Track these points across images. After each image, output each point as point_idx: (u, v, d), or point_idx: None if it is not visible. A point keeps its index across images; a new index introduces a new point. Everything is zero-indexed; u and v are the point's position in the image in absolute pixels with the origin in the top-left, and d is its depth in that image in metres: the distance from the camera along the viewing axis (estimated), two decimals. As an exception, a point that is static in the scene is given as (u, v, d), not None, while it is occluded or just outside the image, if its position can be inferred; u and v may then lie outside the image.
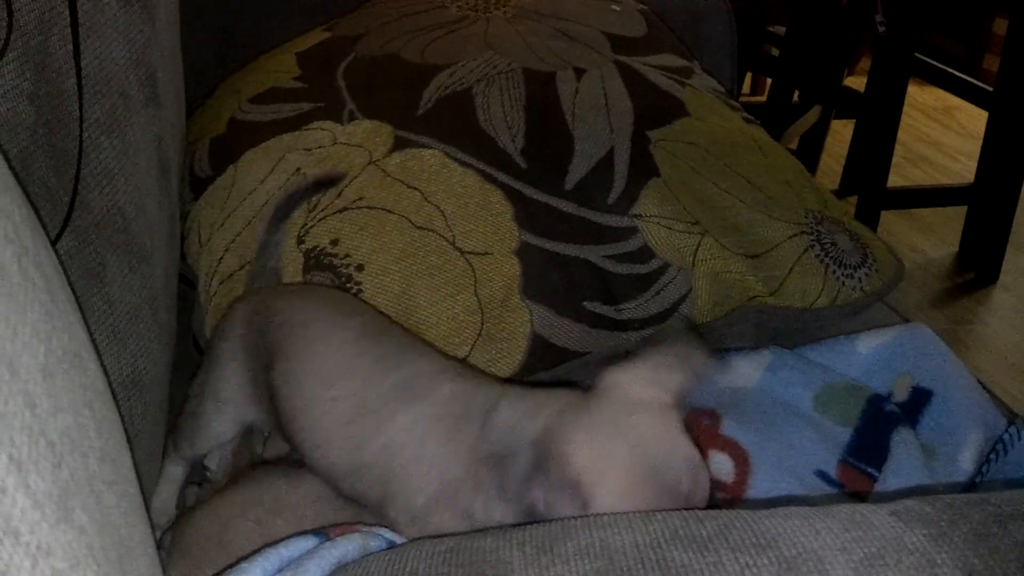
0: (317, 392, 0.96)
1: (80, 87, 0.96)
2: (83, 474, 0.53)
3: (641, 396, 0.85)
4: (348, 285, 1.22)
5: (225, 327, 1.13)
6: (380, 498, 0.92)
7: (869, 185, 3.43)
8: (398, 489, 0.91)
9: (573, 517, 0.77)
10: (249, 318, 1.10)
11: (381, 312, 1.17)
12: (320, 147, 1.33)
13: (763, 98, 4.47)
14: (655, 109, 1.45)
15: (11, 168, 0.65)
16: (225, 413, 1.10)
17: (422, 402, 0.94)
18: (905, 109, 3.39)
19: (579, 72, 1.47)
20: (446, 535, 0.80)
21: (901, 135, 3.50)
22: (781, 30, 3.88)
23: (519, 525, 0.78)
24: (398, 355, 1.00)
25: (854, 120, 3.87)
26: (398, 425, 0.93)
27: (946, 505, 0.72)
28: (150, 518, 0.91)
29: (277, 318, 1.05)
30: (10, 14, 0.85)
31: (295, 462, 1.03)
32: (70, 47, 0.95)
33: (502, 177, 1.32)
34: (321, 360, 0.98)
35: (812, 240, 1.39)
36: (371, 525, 0.87)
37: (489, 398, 0.93)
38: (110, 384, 0.71)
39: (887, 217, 3.53)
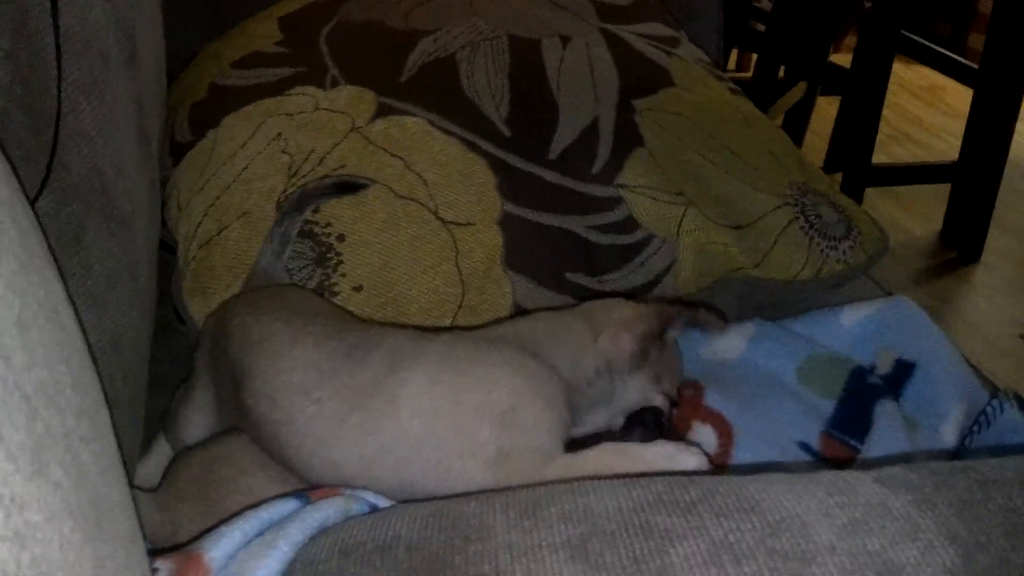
0: (296, 401, 0.94)
1: (58, 46, 0.95)
2: (59, 429, 0.52)
3: None
4: (328, 255, 1.21)
5: (201, 336, 1.14)
6: (424, 478, 0.91)
7: (853, 162, 3.43)
8: (457, 449, 0.91)
9: (557, 483, 0.77)
10: (214, 332, 1.10)
11: (339, 307, 1.17)
12: (302, 112, 1.32)
13: (749, 74, 4.46)
14: (641, 78, 1.44)
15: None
16: (195, 420, 1.10)
17: (426, 354, 0.95)
18: (890, 87, 3.39)
19: (565, 40, 1.45)
20: (429, 500, 0.80)
21: (886, 113, 3.50)
22: (767, 5, 3.87)
23: (502, 490, 0.78)
24: (367, 340, 0.99)
25: (839, 97, 3.87)
26: (411, 390, 0.92)
27: (930, 472, 0.72)
28: (131, 481, 0.90)
29: (234, 338, 1.04)
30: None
31: None
32: (48, 5, 0.94)
33: (486, 146, 1.31)
34: (289, 373, 0.96)
35: (797, 212, 1.39)
36: (354, 489, 0.87)
37: (505, 333, 1.01)
38: (88, 345, 0.69)
39: (871, 194, 3.54)
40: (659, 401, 1.06)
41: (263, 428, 0.97)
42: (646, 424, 1.04)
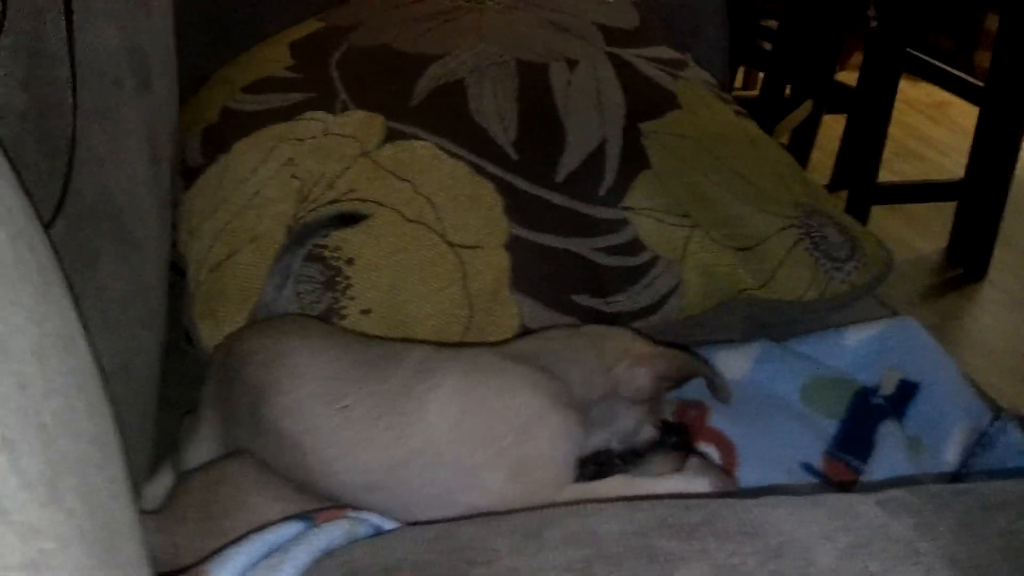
0: (322, 410, 0.96)
1: (73, 74, 0.96)
2: (74, 456, 0.53)
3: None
4: (338, 279, 1.22)
5: (209, 368, 1.15)
6: (455, 475, 0.93)
7: (859, 180, 3.43)
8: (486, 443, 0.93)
9: (560, 505, 0.78)
10: (223, 360, 1.11)
11: (352, 331, 1.18)
12: (312, 137, 1.33)
13: (755, 92, 4.47)
14: (647, 101, 1.45)
15: (4, 153, 0.65)
16: (199, 450, 1.11)
17: (453, 363, 0.98)
18: (896, 104, 3.39)
19: (572, 63, 1.47)
20: (433, 522, 0.81)
21: (892, 130, 3.50)
22: (774, 24, 3.88)
23: (506, 513, 0.79)
24: (394, 352, 1.01)
25: (845, 115, 3.87)
26: (441, 395, 0.94)
27: (931, 495, 0.73)
28: (139, 505, 0.91)
29: (250, 360, 1.05)
30: (3, 0, 0.85)
31: None
32: (63, 34, 0.95)
33: (493, 169, 1.32)
34: (315, 384, 0.98)
35: (802, 233, 1.40)
36: (358, 510, 0.87)
37: (521, 350, 1.04)
38: (101, 369, 0.71)
39: (877, 212, 3.53)
40: (650, 432, 1.07)
41: (285, 440, 0.98)
42: (674, 445, 1.06)
